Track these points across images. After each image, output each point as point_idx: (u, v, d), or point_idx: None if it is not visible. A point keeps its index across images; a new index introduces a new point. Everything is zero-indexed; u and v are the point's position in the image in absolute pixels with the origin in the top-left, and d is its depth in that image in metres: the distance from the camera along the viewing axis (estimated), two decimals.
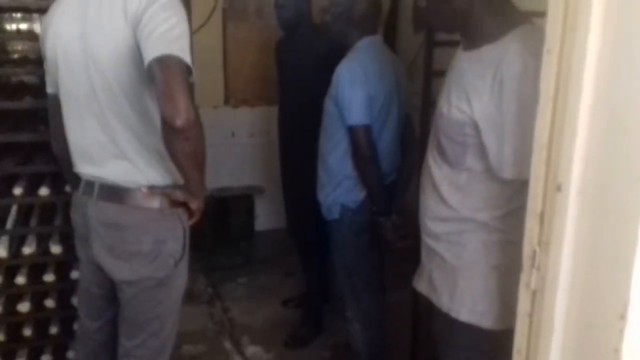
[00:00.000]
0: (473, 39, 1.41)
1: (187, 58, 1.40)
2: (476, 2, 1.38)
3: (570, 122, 0.90)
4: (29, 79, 2.31)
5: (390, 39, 3.53)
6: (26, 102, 2.03)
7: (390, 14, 3.61)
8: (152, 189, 1.57)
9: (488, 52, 1.36)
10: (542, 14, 0.99)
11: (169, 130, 1.38)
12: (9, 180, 2.05)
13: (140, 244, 1.59)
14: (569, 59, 0.89)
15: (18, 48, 2.93)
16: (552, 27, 0.92)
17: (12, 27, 2.95)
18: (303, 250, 3.06)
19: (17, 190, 1.99)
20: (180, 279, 1.70)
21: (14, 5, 2.41)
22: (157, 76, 1.37)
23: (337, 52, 2.48)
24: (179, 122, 1.34)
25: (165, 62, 1.36)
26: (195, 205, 1.62)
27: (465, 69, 1.42)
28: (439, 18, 1.50)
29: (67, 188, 1.98)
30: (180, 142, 1.40)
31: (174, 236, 1.63)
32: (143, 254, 1.60)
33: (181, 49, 1.39)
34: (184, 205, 1.61)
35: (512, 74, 1.29)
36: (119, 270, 1.62)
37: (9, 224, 2.07)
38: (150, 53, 1.38)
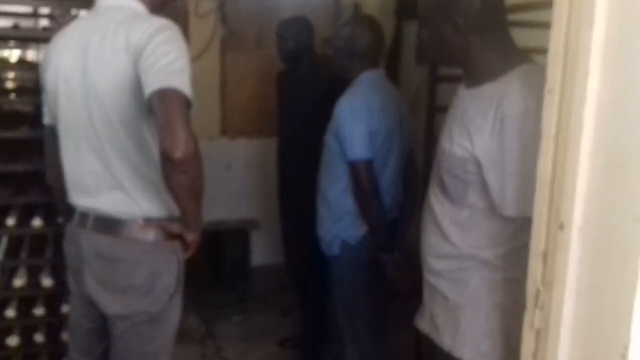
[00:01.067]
0: (475, 76, 1.47)
1: (188, 92, 1.46)
2: (475, 43, 1.44)
3: (572, 161, 0.94)
4: (25, 108, 2.37)
5: (393, 73, 3.62)
6: (22, 132, 2.09)
7: (393, 48, 3.71)
8: (148, 221, 1.61)
9: (490, 90, 1.42)
10: (544, 52, 1.05)
11: (167, 163, 1.42)
12: (1, 210, 2.09)
13: (133, 277, 1.62)
14: (570, 100, 0.95)
15: (11, 77, 3.01)
16: (553, 68, 0.98)
17: (8, 55, 3.02)
18: (301, 289, 3.08)
19: (10, 221, 2.03)
20: (174, 315, 1.72)
21: (11, 35, 2.51)
22: (157, 108, 1.42)
23: (339, 86, 2.54)
24: (178, 154, 1.38)
25: (165, 95, 1.42)
26: (191, 238, 1.65)
27: (467, 106, 1.48)
28: (438, 53, 1.57)
29: (60, 220, 2.02)
30: (179, 175, 1.44)
31: (168, 270, 1.66)
32: (136, 287, 1.62)
33: (182, 83, 1.45)
34: (180, 238, 1.65)
35: (514, 113, 1.34)
36: (112, 304, 1.65)
37: (0, 256, 2.11)
38: (151, 85, 1.43)
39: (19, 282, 2.06)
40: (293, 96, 2.92)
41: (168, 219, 1.63)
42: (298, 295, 3.13)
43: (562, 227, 0.97)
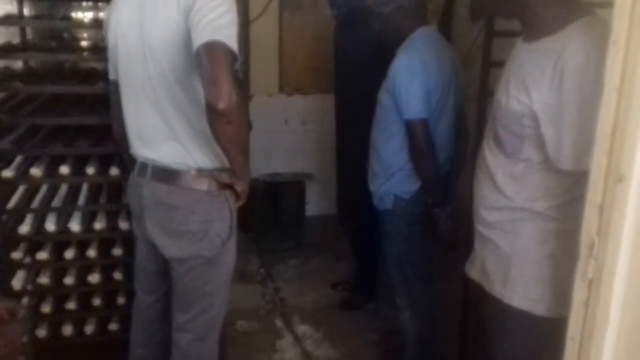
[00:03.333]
0: (534, 30, 1.40)
1: (234, 45, 1.45)
2: None
3: (635, 114, 0.89)
4: (100, 65, 2.42)
5: (446, 28, 3.49)
6: (98, 88, 2.13)
7: (445, 5, 3.56)
8: (200, 172, 1.64)
9: (549, 43, 1.35)
10: (605, 5, 0.98)
11: (212, 113, 1.42)
12: (82, 160, 2.17)
13: (188, 223, 1.66)
14: (635, 52, 0.89)
15: (86, 36, 3.07)
16: (619, 19, 0.91)
17: (82, 15, 3.08)
18: (353, 237, 3.10)
19: (90, 170, 2.10)
20: (228, 259, 1.76)
21: None
22: (203, 61, 1.42)
23: (392, 41, 2.51)
24: (222, 105, 1.38)
25: (211, 48, 1.41)
26: (240, 187, 1.67)
27: (525, 60, 1.41)
28: (499, 5, 1.50)
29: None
30: (223, 125, 1.45)
31: (221, 217, 1.69)
32: (191, 233, 1.67)
33: (228, 36, 1.44)
34: (231, 187, 1.67)
35: (573, 66, 1.28)
36: (170, 248, 1.70)
37: (81, 201, 2.20)
38: (199, 39, 1.43)
39: (98, 225, 2.14)
40: (348, 51, 2.86)
41: (219, 170, 1.65)
42: (351, 243, 3.16)
43: (620, 179, 0.92)
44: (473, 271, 1.66)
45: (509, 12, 1.50)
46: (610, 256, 0.96)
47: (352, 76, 2.84)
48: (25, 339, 1.28)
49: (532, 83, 1.36)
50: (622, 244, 0.94)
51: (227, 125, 1.44)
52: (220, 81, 1.38)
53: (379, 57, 2.57)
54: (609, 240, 0.96)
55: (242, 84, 3.59)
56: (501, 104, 1.46)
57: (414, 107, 2.02)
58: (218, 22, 1.44)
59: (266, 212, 3.91)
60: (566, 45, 1.30)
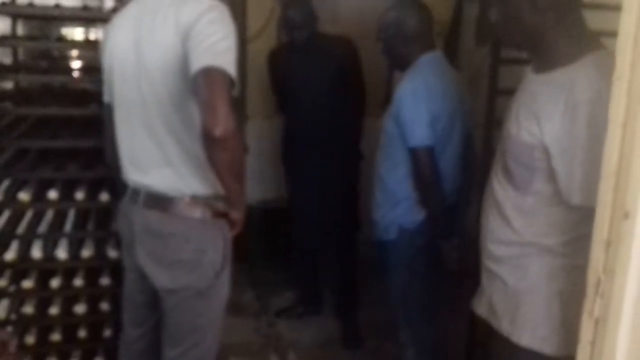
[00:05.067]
0: (545, 61, 1.45)
1: (232, 71, 1.50)
2: (550, 24, 1.42)
3: (639, 149, 0.94)
4: (92, 86, 2.47)
5: (452, 53, 3.57)
6: (90, 110, 2.18)
7: (451, 27, 3.65)
8: (194, 199, 1.68)
9: (560, 75, 1.40)
10: (612, 34, 1.03)
11: (208, 140, 1.47)
12: (70, 184, 2.21)
13: (181, 252, 1.69)
14: (639, 87, 0.94)
15: (79, 55, 3.14)
16: (622, 54, 0.96)
17: (72, 34, 3.15)
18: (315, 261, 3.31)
19: (79, 195, 2.14)
20: (221, 290, 1.79)
21: (80, 16, 2.61)
22: (200, 86, 1.47)
23: (347, 58, 2.89)
24: (218, 132, 1.43)
25: (209, 73, 1.47)
26: (235, 215, 1.72)
27: (536, 91, 1.46)
28: (510, 35, 1.54)
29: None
30: (219, 152, 1.49)
31: (214, 246, 1.73)
32: (183, 262, 1.70)
33: (226, 62, 1.50)
34: (226, 216, 1.71)
35: (585, 100, 1.33)
36: (161, 278, 1.73)
37: (68, 227, 2.23)
38: (196, 63, 1.49)
39: (86, 252, 2.17)
40: (298, 77, 3.02)
41: (214, 197, 1.69)
42: (303, 264, 3.36)
43: (626, 216, 0.96)
44: (480, 308, 1.68)
45: (521, 44, 1.54)
46: (616, 294, 0.99)
47: (310, 100, 3.00)
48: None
49: (544, 116, 1.40)
50: (628, 281, 0.98)
51: (223, 152, 1.49)
52: (218, 107, 1.43)
53: (341, 77, 2.92)
54: (615, 278, 0.99)
55: (237, 105, 3.67)
56: (511, 134, 1.50)
57: (419, 134, 2.06)
58: (216, 48, 1.49)
59: (262, 240, 3.93)
60: (578, 79, 1.36)
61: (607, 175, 1.01)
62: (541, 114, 1.41)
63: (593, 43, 1.42)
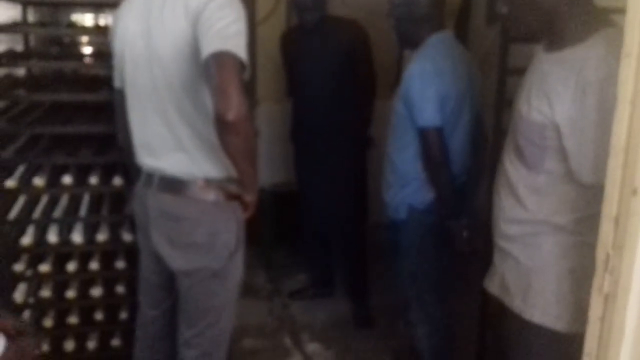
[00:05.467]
0: (556, 40, 1.45)
1: (242, 55, 1.51)
2: (562, 4, 1.41)
3: None
4: (103, 72, 2.50)
5: (462, 34, 3.55)
6: (101, 95, 2.21)
7: (462, 7, 3.62)
8: (208, 182, 1.70)
9: (571, 54, 1.40)
10: (620, 11, 1.03)
11: (220, 124, 1.49)
12: (84, 169, 2.24)
13: (195, 235, 1.72)
14: None
15: (89, 42, 3.16)
16: (631, 31, 0.97)
17: (87, 20, 3.17)
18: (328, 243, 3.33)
19: (92, 180, 2.18)
20: (236, 272, 1.82)
21: (89, 1, 2.62)
22: (212, 71, 1.48)
23: (357, 43, 2.89)
24: (230, 116, 1.45)
25: (220, 58, 1.48)
26: (248, 198, 1.74)
27: (546, 71, 1.46)
28: (525, 23, 1.51)
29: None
30: (231, 136, 1.51)
31: (227, 228, 1.75)
32: (198, 244, 1.73)
33: (236, 46, 1.51)
34: (238, 198, 1.73)
35: (596, 79, 1.33)
36: (176, 260, 1.76)
37: (83, 211, 2.27)
38: (207, 48, 1.50)
39: (101, 236, 2.21)
40: (308, 59, 3.01)
41: (227, 180, 1.71)
42: (318, 248, 3.38)
43: (635, 192, 0.97)
44: (493, 286, 1.70)
45: (536, 30, 1.51)
46: (625, 270, 1.00)
47: (318, 84, 3.00)
48: (37, 351, 1.34)
49: (555, 95, 1.41)
50: (637, 257, 0.99)
51: (235, 136, 1.51)
52: (230, 92, 1.45)
53: (351, 61, 2.91)
54: (624, 254, 1.00)
55: (248, 90, 3.68)
56: (522, 114, 1.50)
57: (428, 114, 2.07)
58: (227, 32, 1.51)
59: (274, 223, 3.96)
60: (589, 58, 1.35)
61: (615, 152, 1.01)
62: (552, 93, 1.41)
63: (602, 21, 1.41)
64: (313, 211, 3.28)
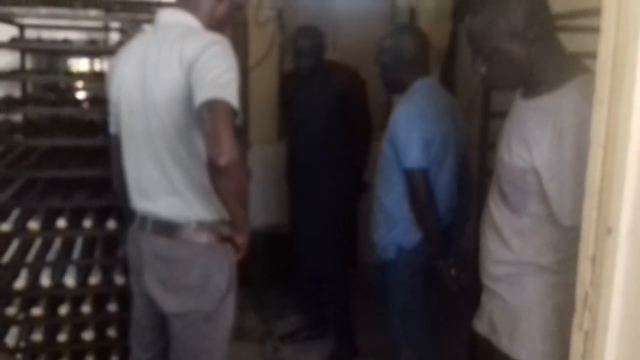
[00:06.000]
0: (533, 88, 1.51)
1: (234, 102, 1.55)
2: (538, 54, 1.47)
3: (620, 168, 0.99)
4: (99, 117, 2.54)
5: (448, 79, 3.64)
6: (97, 140, 2.25)
7: (448, 54, 3.73)
8: (201, 224, 1.72)
9: (547, 101, 1.46)
10: (594, 55, 1.08)
11: (213, 169, 1.52)
12: (78, 212, 2.26)
13: (188, 277, 1.73)
14: (617, 109, 0.99)
15: (85, 87, 3.21)
16: (601, 78, 1.02)
17: (84, 67, 3.24)
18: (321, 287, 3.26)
19: (86, 223, 2.19)
20: (227, 314, 1.82)
21: (87, 49, 2.69)
22: (205, 118, 1.52)
23: (353, 89, 2.93)
24: (223, 161, 1.48)
25: (212, 105, 1.52)
26: (240, 240, 1.76)
27: (525, 117, 1.52)
28: (505, 78, 1.55)
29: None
30: (224, 180, 1.54)
31: (220, 270, 1.77)
32: (191, 287, 1.74)
33: (229, 94, 1.55)
34: (231, 240, 1.76)
35: (571, 124, 1.38)
36: (169, 303, 1.76)
37: (76, 255, 2.28)
38: (200, 96, 1.54)
39: (93, 279, 2.21)
40: (304, 103, 3.07)
41: (219, 223, 1.74)
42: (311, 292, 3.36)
43: (609, 231, 1.01)
44: (481, 326, 1.72)
45: (516, 83, 1.56)
46: (603, 307, 1.03)
47: (312, 127, 3.05)
48: None
49: (533, 141, 1.46)
50: (614, 294, 1.01)
51: (227, 180, 1.53)
52: (222, 138, 1.48)
53: (344, 106, 2.96)
54: (602, 292, 1.03)
55: (240, 132, 3.73)
56: (504, 160, 1.55)
57: (413, 156, 2.12)
58: (219, 81, 1.55)
59: (265, 265, 3.95)
60: (564, 105, 1.41)
61: (590, 194, 1.05)
62: (530, 139, 1.46)
63: (576, 67, 1.48)
64: (305, 252, 3.27)
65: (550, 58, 1.48)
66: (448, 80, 3.58)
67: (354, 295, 3.23)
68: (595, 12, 1.07)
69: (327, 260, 3.16)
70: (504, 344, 1.60)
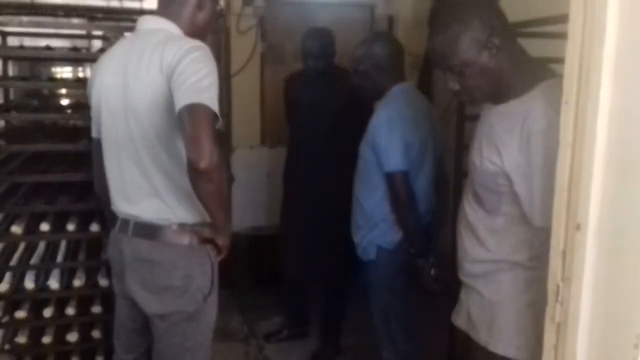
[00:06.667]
0: (502, 94, 1.54)
1: (215, 106, 1.55)
2: (505, 62, 1.50)
3: (587, 166, 1.01)
4: (83, 123, 2.52)
5: (426, 84, 3.67)
6: (81, 145, 2.23)
7: (425, 60, 3.76)
8: (182, 227, 1.72)
9: (515, 106, 1.48)
10: (560, 60, 1.11)
11: (193, 172, 1.52)
12: (62, 216, 2.24)
13: (170, 278, 1.73)
14: (584, 110, 1.01)
15: (67, 94, 3.19)
16: (569, 81, 1.04)
17: (67, 74, 3.21)
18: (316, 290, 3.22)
19: (70, 226, 2.18)
20: (210, 314, 1.82)
21: (70, 56, 2.67)
22: (185, 122, 1.52)
23: (371, 96, 2.66)
24: (203, 164, 1.48)
25: (193, 110, 1.52)
26: (221, 241, 1.76)
27: (494, 123, 1.54)
28: (478, 89, 1.55)
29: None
30: (204, 183, 1.54)
31: (202, 271, 1.77)
32: (173, 288, 1.73)
33: (209, 98, 1.55)
34: (212, 242, 1.76)
35: (538, 129, 1.41)
36: (151, 304, 1.76)
37: (60, 258, 2.26)
38: (181, 101, 1.54)
39: (77, 282, 2.20)
40: (308, 106, 2.99)
41: (201, 225, 1.74)
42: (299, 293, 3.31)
43: (578, 227, 1.03)
44: (459, 320, 1.74)
45: (489, 93, 1.56)
46: (574, 300, 1.05)
47: (313, 131, 2.98)
48: None
49: (502, 145, 1.48)
50: (584, 287, 1.03)
51: (208, 183, 1.54)
52: (202, 142, 1.48)
53: (350, 112, 2.83)
54: (572, 285, 1.05)
55: (223, 137, 3.72)
56: (476, 165, 1.58)
57: (395, 160, 2.14)
58: (199, 85, 1.55)
59: (249, 267, 3.95)
60: (531, 109, 1.43)
61: (560, 191, 1.07)
62: (500, 143, 1.49)
63: (542, 72, 1.50)
64: (301, 254, 3.16)
65: (515, 64, 1.51)
66: (425, 87, 3.60)
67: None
68: (563, 19, 1.09)
69: (328, 262, 3.08)
70: (482, 337, 1.62)
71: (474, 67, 1.50)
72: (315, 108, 2.97)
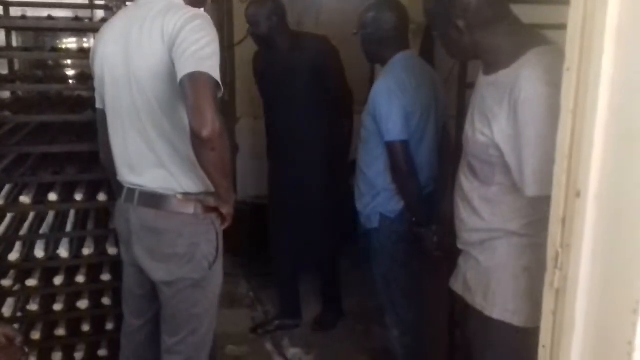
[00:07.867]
0: (489, 64, 1.53)
1: (216, 75, 1.54)
2: (480, 35, 1.49)
3: (588, 134, 0.99)
4: (87, 94, 2.51)
5: (429, 52, 3.61)
6: (86, 116, 2.22)
7: (427, 28, 3.69)
8: (186, 196, 1.72)
9: (503, 77, 1.47)
10: (562, 27, 1.08)
11: (196, 141, 1.52)
12: (70, 187, 2.24)
13: (175, 246, 1.74)
14: (586, 77, 0.99)
15: (72, 64, 3.17)
16: (571, 47, 1.02)
17: (71, 45, 3.18)
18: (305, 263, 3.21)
19: (78, 196, 2.18)
20: (215, 281, 1.84)
21: (73, 27, 2.64)
22: (187, 91, 1.51)
23: (326, 56, 2.75)
24: (206, 133, 1.48)
25: (195, 78, 1.51)
26: (225, 210, 1.77)
27: (484, 94, 1.53)
28: (456, 54, 1.67)
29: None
30: (207, 152, 1.54)
31: (207, 239, 1.78)
32: (179, 256, 1.75)
33: (211, 67, 1.54)
34: (216, 210, 1.76)
35: (524, 99, 1.39)
36: (158, 272, 1.78)
37: (69, 227, 2.27)
38: (183, 70, 1.53)
39: (87, 250, 2.21)
40: (275, 77, 2.89)
41: (205, 194, 1.74)
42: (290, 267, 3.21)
43: (578, 194, 1.02)
44: (456, 285, 1.75)
45: (468, 58, 1.69)
46: (573, 266, 1.05)
47: (285, 101, 2.88)
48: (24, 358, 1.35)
49: (492, 116, 1.47)
50: (582, 254, 1.03)
51: (211, 151, 1.53)
52: (204, 110, 1.48)
53: (315, 75, 2.78)
54: (572, 251, 1.05)
55: (227, 106, 3.70)
56: (468, 136, 1.58)
57: (394, 129, 2.12)
58: (201, 54, 1.53)
59: (254, 235, 3.96)
60: (517, 80, 1.41)
61: (560, 158, 1.06)
62: (489, 114, 1.48)
63: (533, 39, 1.47)
64: (285, 231, 3.10)
65: (504, 36, 1.49)
66: (428, 55, 3.55)
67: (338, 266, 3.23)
68: None
69: (317, 232, 3.06)
70: (477, 302, 1.63)
71: (448, 40, 1.57)
72: (283, 79, 2.84)
